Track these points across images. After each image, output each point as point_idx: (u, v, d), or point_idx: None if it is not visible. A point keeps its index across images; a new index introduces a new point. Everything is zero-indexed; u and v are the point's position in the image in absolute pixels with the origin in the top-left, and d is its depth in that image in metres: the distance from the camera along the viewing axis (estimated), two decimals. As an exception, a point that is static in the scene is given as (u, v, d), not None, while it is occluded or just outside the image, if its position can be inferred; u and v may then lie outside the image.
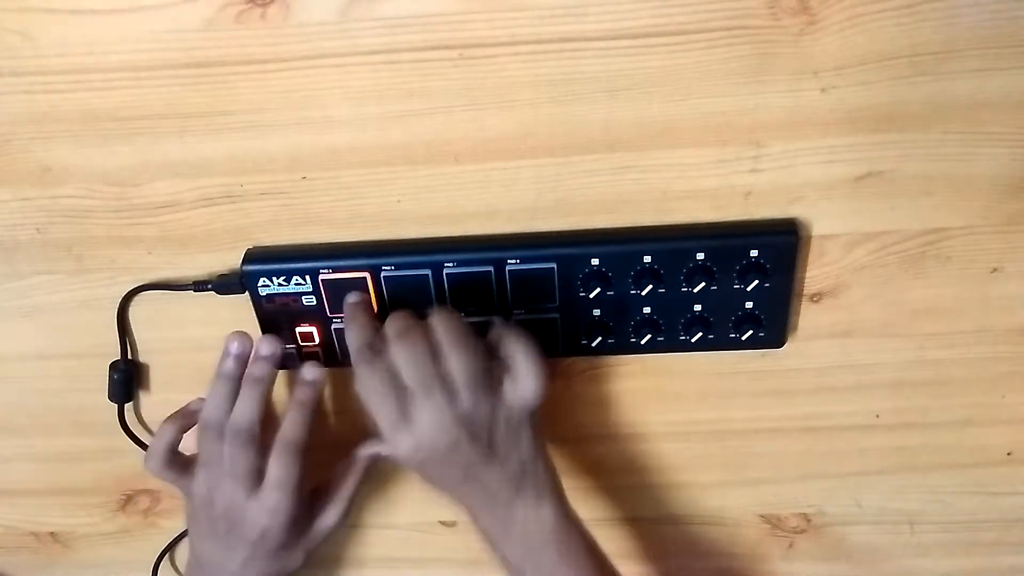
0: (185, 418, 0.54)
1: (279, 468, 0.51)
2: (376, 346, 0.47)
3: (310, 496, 0.54)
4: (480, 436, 0.47)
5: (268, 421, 0.52)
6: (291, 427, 0.52)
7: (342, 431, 0.59)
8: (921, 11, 0.41)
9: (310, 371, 0.54)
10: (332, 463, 0.56)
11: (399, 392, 0.46)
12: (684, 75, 0.44)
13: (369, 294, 0.51)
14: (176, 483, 0.54)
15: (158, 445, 0.53)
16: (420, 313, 0.49)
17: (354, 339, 0.48)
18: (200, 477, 0.52)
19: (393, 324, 0.47)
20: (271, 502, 0.51)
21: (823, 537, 0.65)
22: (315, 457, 0.53)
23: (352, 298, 0.51)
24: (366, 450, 0.55)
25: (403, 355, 0.46)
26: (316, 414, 0.53)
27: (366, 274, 0.50)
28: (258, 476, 0.51)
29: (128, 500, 0.66)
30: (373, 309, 0.51)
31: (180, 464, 0.54)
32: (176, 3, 0.43)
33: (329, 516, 0.55)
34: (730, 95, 0.44)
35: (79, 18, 0.43)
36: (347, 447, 0.55)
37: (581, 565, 0.50)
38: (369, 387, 0.46)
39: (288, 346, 0.53)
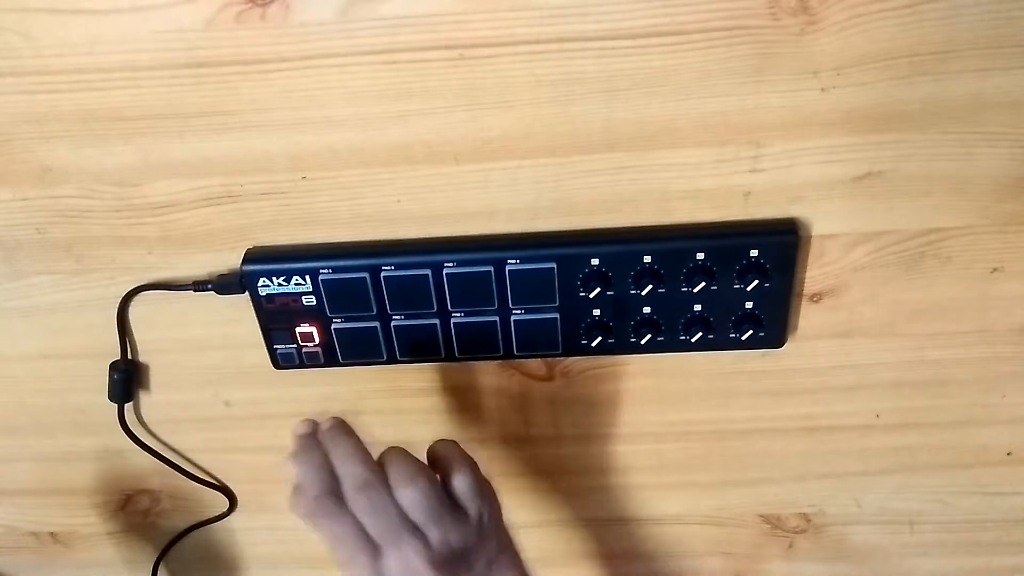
0: None
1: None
2: (337, 493, 0.44)
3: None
4: (457, 568, 0.44)
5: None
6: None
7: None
8: (921, 11, 0.41)
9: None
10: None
11: (370, 545, 0.43)
12: (684, 75, 0.44)
13: (317, 423, 0.49)
14: None
15: None
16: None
17: (311, 485, 0.45)
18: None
19: (349, 471, 0.45)
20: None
21: (823, 537, 0.65)
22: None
23: (302, 428, 0.49)
24: None
25: (366, 507, 0.44)
26: None
27: (366, 274, 0.50)
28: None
29: (128, 500, 0.66)
30: (322, 447, 0.47)
31: None
32: (176, 3, 0.43)
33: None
34: (730, 95, 0.44)
35: (79, 18, 0.43)
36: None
37: None
38: (336, 541, 0.43)
39: (288, 346, 0.53)
